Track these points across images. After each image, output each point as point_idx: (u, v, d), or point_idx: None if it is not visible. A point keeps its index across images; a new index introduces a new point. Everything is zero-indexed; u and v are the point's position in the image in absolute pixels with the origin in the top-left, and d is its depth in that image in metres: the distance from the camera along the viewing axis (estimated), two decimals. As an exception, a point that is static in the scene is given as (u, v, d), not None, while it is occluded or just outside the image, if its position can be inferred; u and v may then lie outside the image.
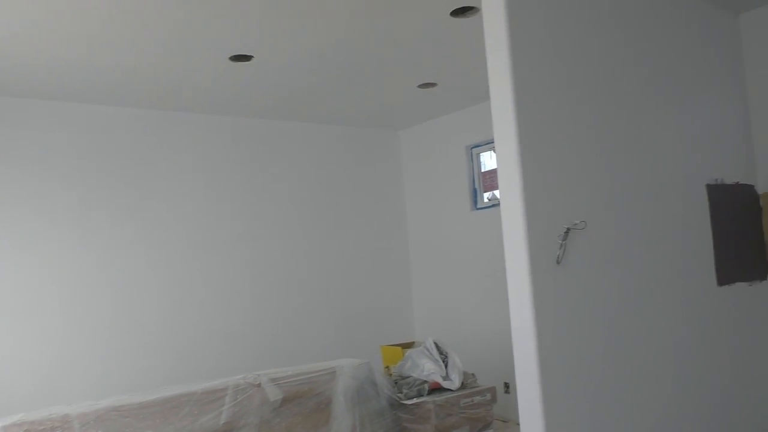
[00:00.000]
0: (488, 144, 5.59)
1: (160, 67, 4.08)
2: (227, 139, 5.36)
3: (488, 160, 5.72)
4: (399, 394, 4.21)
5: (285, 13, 3.39)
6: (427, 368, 4.33)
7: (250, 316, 5.31)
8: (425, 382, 4.28)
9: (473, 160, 5.78)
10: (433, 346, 4.48)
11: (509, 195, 2.69)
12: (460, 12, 3.51)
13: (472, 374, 4.50)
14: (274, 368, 3.99)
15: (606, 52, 3.08)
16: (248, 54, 3.94)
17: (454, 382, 4.29)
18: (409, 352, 4.59)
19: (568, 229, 2.75)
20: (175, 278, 5.01)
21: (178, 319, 4.98)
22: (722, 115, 3.69)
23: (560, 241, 2.73)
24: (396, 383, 4.34)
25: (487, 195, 5.71)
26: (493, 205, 5.52)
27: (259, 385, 3.69)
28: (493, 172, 5.62)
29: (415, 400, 4.14)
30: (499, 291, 5.15)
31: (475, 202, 5.74)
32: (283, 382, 3.79)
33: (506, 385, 5.24)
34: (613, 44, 3.12)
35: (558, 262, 2.71)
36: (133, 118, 4.95)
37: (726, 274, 3.49)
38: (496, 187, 5.61)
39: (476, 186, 5.76)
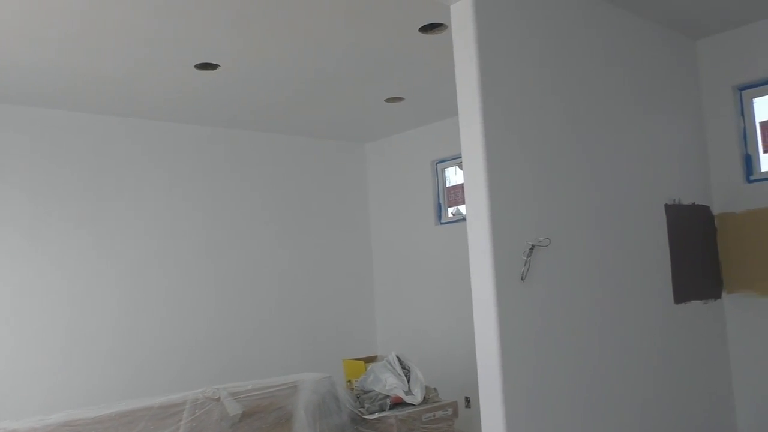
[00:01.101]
0: (453, 159, 5.63)
1: (123, 74, 3.99)
2: (191, 148, 5.28)
3: (453, 175, 5.77)
4: (361, 409, 4.17)
5: (252, 24, 3.36)
6: (389, 383, 4.31)
7: (211, 329, 5.20)
8: (387, 396, 4.25)
9: (438, 175, 5.82)
10: (396, 360, 4.46)
11: (476, 212, 2.72)
12: (429, 28, 3.55)
13: (434, 389, 4.50)
14: (234, 382, 3.91)
15: (570, 74, 3.15)
16: (214, 63, 3.90)
17: (416, 397, 4.27)
18: (371, 366, 4.57)
19: (533, 246, 2.78)
20: (134, 288, 4.88)
21: (136, 330, 4.85)
22: (680, 138, 3.81)
23: (525, 258, 2.76)
24: (358, 397, 4.31)
25: (451, 210, 5.75)
26: (458, 220, 5.56)
27: (218, 400, 3.61)
28: (458, 187, 5.67)
29: (377, 415, 4.11)
30: (462, 305, 5.19)
31: (440, 217, 5.77)
32: (243, 396, 3.72)
33: (467, 400, 5.26)
34: (577, 67, 3.19)
35: (522, 279, 2.74)
36: (96, 124, 4.82)
37: (682, 293, 3.58)
38: (460, 202, 5.65)
39: (441, 201, 5.79)
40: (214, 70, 4.02)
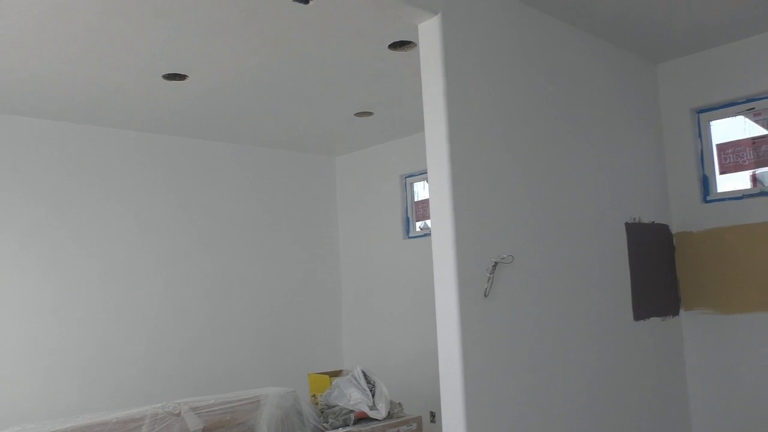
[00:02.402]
0: (422, 174, 5.68)
1: (90, 81, 3.94)
2: (159, 159, 5.22)
3: (421, 190, 5.81)
4: (325, 424, 4.15)
5: (222, 35, 3.36)
6: (353, 397, 4.29)
7: (172, 341, 5.12)
8: (351, 411, 4.23)
9: (407, 190, 5.86)
10: (361, 374, 4.45)
11: (440, 228, 2.74)
12: (398, 45, 3.59)
13: (399, 404, 4.50)
14: (195, 396, 3.86)
15: (535, 94, 3.22)
16: (183, 73, 3.87)
17: (381, 412, 4.26)
18: (336, 380, 4.54)
19: (496, 262, 2.82)
20: (93, 300, 4.79)
21: (93, 342, 4.75)
22: (641, 158, 3.91)
23: (488, 275, 2.79)
24: (322, 412, 4.28)
25: (419, 224, 5.78)
26: (425, 234, 5.60)
27: (178, 414, 3.55)
28: (426, 201, 5.71)
29: (340, 430, 4.09)
30: (429, 320, 5.21)
31: (408, 231, 5.80)
32: (205, 411, 3.67)
33: (432, 414, 5.26)
34: (543, 87, 3.26)
35: (485, 295, 2.77)
36: (62, 132, 4.74)
37: (642, 310, 3.66)
38: (428, 217, 5.68)
39: (409, 215, 5.83)
40: (183, 81, 4.00)
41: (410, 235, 5.78)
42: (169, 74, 3.87)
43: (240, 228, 5.65)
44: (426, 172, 5.63)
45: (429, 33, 2.81)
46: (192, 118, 4.82)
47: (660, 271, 3.89)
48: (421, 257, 5.45)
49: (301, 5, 2.99)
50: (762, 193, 3.71)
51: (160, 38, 3.35)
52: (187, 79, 3.96)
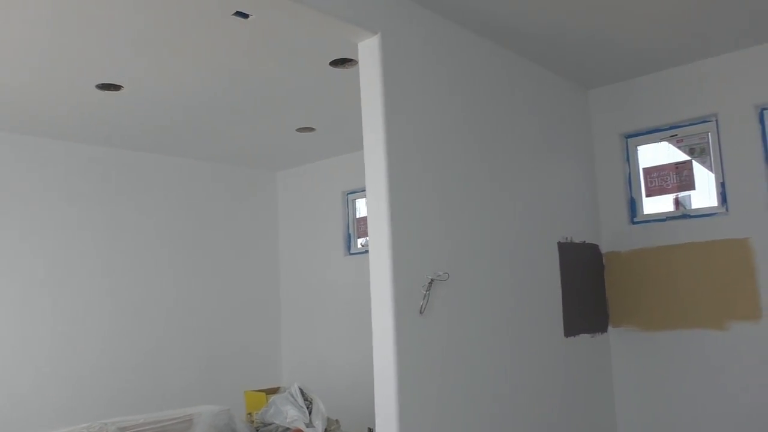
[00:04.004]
0: (364, 191, 5.69)
1: (21, 90, 3.79)
2: (90, 170, 5.04)
3: (363, 207, 5.83)
4: (259, 443, 4.07)
5: (159, 46, 3.30)
6: (290, 415, 4.23)
7: (101, 357, 4.92)
8: (288, 429, 4.17)
9: (348, 206, 5.87)
10: (298, 391, 4.39)
11: (377, 245, 2.77)
12: (339, 63, 3.61)
13: (336, 420, 4.46)
14: (124, 416, 3.72)
15: (472, 116, 3.30)
16: (117, 84, 3.78)
17: (317, 429, 4.21)
18: (272, 398, 4.47)
19: (432, 279, 2.86)
20: (19, 313, 4.56)
21: (17, 359, 4.51)
22: (573, 180, 4.05)
23: (424, 292, 2.83)
24: (257, 430, 4.20)
25: (361, 241, 5.80)
26: (367, 251, 5.60)
27: (105, 436, 3.41)
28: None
29: (275, 449, 4.02)
30: (368, 337, 5.20)
31: (349, 247, 5.80)
32: (133, 431, 3.54)
33: (369, 431, 5.24)
34: (480, 109, 3.35)
35: (421, 312, 2.80)
36: (-17, 138, 4.53)
37: (572, 327, 3.77)
38: (369, 234, 5.70)
39: (350, 231, 5.83)
40: (117, 91, 3.90)
41: (351, 251, 5.78)
42: (103, 84, 3.77)
43: (175, 243, 5.51)
44: (367, 189, 5.67)
45: (369, 52, 2.84)
46: (126, 129, 4.70)
47: (590, 289, 4.02)
48: (363, 274, 5.40)
49: (241, 19, 2.98)
50: (684, 216, 3.91)
51: (93, 47, 3.26)
52: (122, 89, 3.87)
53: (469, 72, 3.32)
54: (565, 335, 3.70)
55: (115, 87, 3.82)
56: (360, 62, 2.89)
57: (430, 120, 3.03)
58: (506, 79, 3.59)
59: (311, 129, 4.94)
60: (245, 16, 2.94)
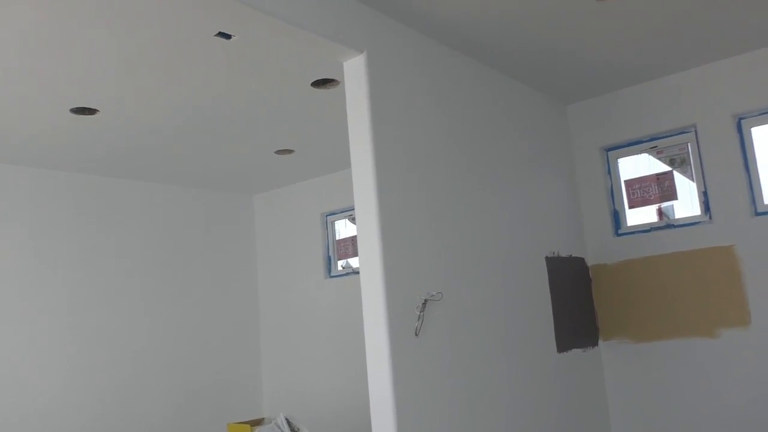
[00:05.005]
0: (343, 212, 5.64)
1: (-15, 116, 3.65)
2: (62, 197, 4.87)
3: (343, 228, 5.76)
4: (247, 477, 3.92)
5: (135, 69, 3.21)
6: (278, 446, 4.10)
7: (77, 393, 4.71)
8: (276, 461, 4.04)
9: (328, 228, 5.79)
10: (285, 422, 4.27)
11: (369, 268, 2.69)
12: (321, 83, 3.57)
13: (325, 449, 4.33)
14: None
15: (455, 134, 3.28)
16: (93, 107, 3.66)
17: (307, 460, 4.09)
18: (258, 429, 4.33)
19: (426, 300, 2.79)
20: (-13, 354, 4.35)
21: (-14, 402, 4.29)
22: (557, 195, 4.05)
23: (418, 313, 2.76)
24: (244, 464, 4.05)
25: (341, 263, 5.71)
26: (348, 274, 5.52)
27: (85, 478, 3.23)
28: (348, 240, 5.65)
29: (264, 482, 3.88)
30: (353, 361, 5.11)
31: (329, 270, 5.71)
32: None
33: (359, 459, 5.11)
34: (462, 127, 3.33)
35: (416, 334, 2.73)
36: (-53, 170, 4.35)
37: (564, 342, 3.74)
38: (350, 255, 5.63)
39: (330, 254, 5.74)
40: (93, 116, 3.78)
41: (332, 274, 5.69)
42: (77, 108, 3.65)
43: (150, 271, 5.35)
44: (348, 210, 5.61)
45: (354, 71, 2.81)
46: (100, 154, 4.56)
47: (579, 302, 4.01)
48: (344, 297, 5.37)
49: (223, 40, 2.91)
50: (668, 226, 3.93)
51: (68, 69, 3.15)
52: (97, 113, 3.75)
53: (453, 90, 3.30)
54: (558, 351, 3.67)
55: (90, 111, 3.70)
56: (346, 81, 2.84)
57: (417, 138, 3.00)
58: (489, 96, 3.59)
59: (290, 151, 4.87)
60: (228, 36, 2.88)
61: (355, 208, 2.80)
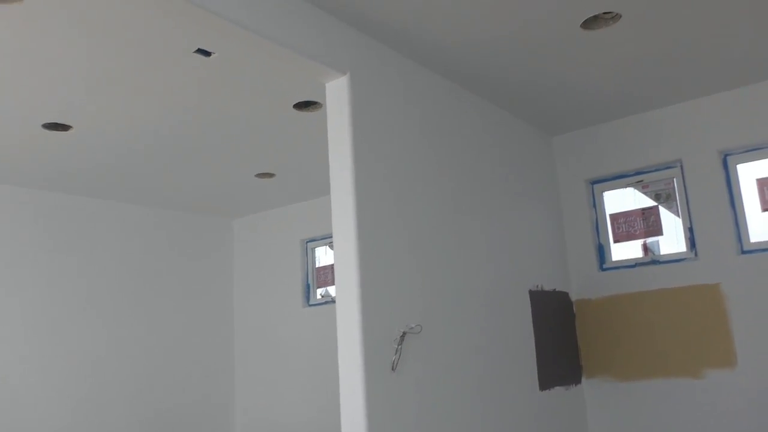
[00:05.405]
0: (324, 239, 5.52)
1: (-48, 128, 3.51)
2: (33, 216, 4.71)
3: (323, 255, 5.63)
4: None
5: (113, 84, 3.10)
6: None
7: (40, 420, 4.48)
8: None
9: (308, 255, 5.66)
10: (255, 456, 4.08)
11: (346, 297, 2.57)
12: (304, 106, 3.48)
13: (296, 487, 4.14)
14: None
15: (439, 162, 3.20)
16: (66, 123, 3.54)
17: (276, 498, 3.89)
18: (227, 463, 4.13)
19: (404, 332, 2.67)
20: (-58, 378, 4.12)
21: (-62, 429, 4.05)
22: (541, 227, 3.97)
23: (396, 346, 2.64)
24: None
25: (320, 291, 5.56)
26: (327, 302, 5.38)
27: None
28: (328, 267, 5.52)
29: None
30: (330, 394, 4.93)
31: (308, 298, 5.56)
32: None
33: (332, 496, 4.90)
34: (446, 156, 3.25)
35: (393, 369, 2.60)
36: None
37: (547, 379, 3.62)
38: (330, 283, 5.49)
39: (310, 281, 5.60)
40: (66, 132, 3.65)
41: (311, 302, 5.54)
42: (50, 123, 3.53)
43: (122, 296, 5.16)
44: (329, 237, 5.49)
45: (337, 93, 2.73)
46: (73, 172, 4.42)
47: (562, 338, 3.90)
48: (322, 326, 5.21)
49: (203, 57, 2.82)
50: (653, 262, 3.86)
51: (40, 83, 3.04)
52: (70, 129, 3.63)
53: (438, 117, 3.23)
54: (540, 389, 3.54)
55: (63, 127, 3.58)
56: (327, 103, 2.76)
57: (400, 164, 2.91)
58: (474, 124, 3.53)
59: (271, 175, 4.77)
60: (207, 54, 2.79)
61: (333, 234, 2.68)
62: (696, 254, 3.69)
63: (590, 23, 2.83)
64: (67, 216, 4.91)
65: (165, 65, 2.92)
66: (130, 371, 5.08)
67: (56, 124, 3.54)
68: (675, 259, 3.78)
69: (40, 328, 4.62)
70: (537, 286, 3.76)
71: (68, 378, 4.70)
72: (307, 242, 5.66)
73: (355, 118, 2.69)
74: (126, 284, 5.19)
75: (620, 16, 2.78)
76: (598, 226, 4.14)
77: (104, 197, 5.09)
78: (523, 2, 2.63)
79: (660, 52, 3.17)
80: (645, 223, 3.96)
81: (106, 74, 2.98)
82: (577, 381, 3.94)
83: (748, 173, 3.63)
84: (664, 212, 3.91)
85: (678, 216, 3.84)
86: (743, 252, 3.56)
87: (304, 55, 2.51)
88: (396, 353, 2.63)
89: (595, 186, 4.19)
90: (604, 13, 2.76)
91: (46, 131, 3.63)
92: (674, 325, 3.69)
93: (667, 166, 3.90)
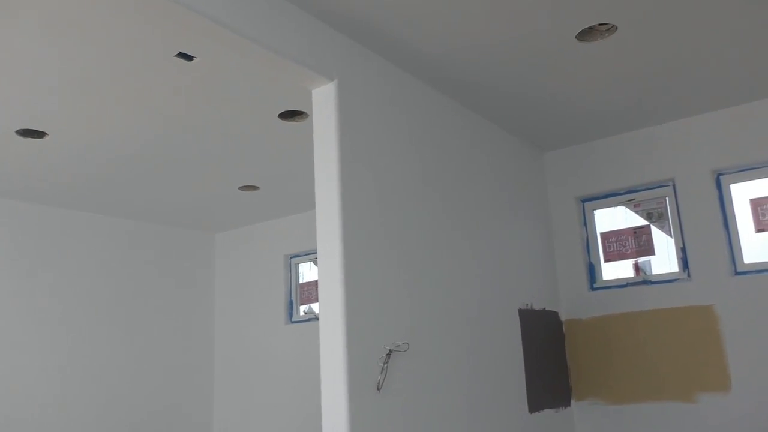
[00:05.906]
0: (308, 255, 5.38)
1: None
2: (6, 226, 4.53)
3: (307, 272, 5.49)
4: None
5: (92, 90, 2.98)
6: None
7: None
8: None
9: (292, 271, 5.52)
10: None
11: (330, 313, 2.45)
12: (289, 115, 3.38)
13: None
14: None
15: (428, 175, 3.10)
16: (40, 130, 3.40)
17: None
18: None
19: (391, 350, 2.55)
20: None
21: None
22: (531, 244, 3.88)
23: (381, 365, 2.51)
24: None
25: (303, 308, 5.42)
26: (310, 319, 5.23)
27: None
28: (312, 284, 5.38)
29: None
30: (313, 413, 4.76)
31: (291, 315, 5.41)
32: None
33: None
34: (435, 169, 3.16)
35: (378, 389, 2.47)
36: None
37: (536, 402, 3.50)
38: (313, 300, 5.35)
39: (293, 298, 5.45)
40: (41, 139, 3.51)
41: (293, 319, 5.39)
42: (24, 130, 3.39)
43: (99, 310, 4.98)
44: (313, 253, 5.35)
45: (323, 100, 2.63)
46: (49, 182, 4.26)
47: (551, 359, 3.79)
48: (305, 344, 5.06)
49: (185, 62, 2.71)
50: (645, 282, 3.78)
51: (13, 87, 2.91)
52: (45, 137, 3.49)
53: (427, 128, 3.14)
54: (529, 411, 3.42)
55: (38, 134, 3.43)
56: (314, 110, 2.66)
57: (387, 175, 2.81)
58: (465, 137, 3.44)
59: (255, 187, 4.64)
60: (189, 58, 2.68)
61: (318, 249, 2.56)
62: (689, 275, 3.61)
63: (585, 35, 2.77)
64: (41, 227, 4.74)
65: (144, 70, 2.80)
66: (106, 387, 4.88)
67: (31, 130, 3.40)
68: (667, 280, 3.70)
69: (15, 342, 4.42)
70: (527, 304, 3.66)
71: (44, 398, 4.49)
72: (291, 258, 5.52)
73: (343, 126, 2.59)
74: (103, 300, 5.01)
75: (616, 28, 2.72)
76: (588, 245, 4.05)
77: (81, 208, 4.93)
78: (517, 12, 2.56)
79: (655, 66, 3.11)
80: (637, 243, 3.88)
81: (80, 78, 2.86)
82: (567, 404, 3.82)
83: (742, 193, 3.57)
84: (656, 232, 3.84)
85: (670, 236, 3.77)
86: (737, 273, 3.48)
87: (290, 60, 2.41)
88: (382, 372, 2.50)
89: (586, 204, 4.12)
90: (600, 24, 2.69)
91: (20, 138, 3.49)
92: (666, 347, 3.60)
93: (660, 185, 3.83)
